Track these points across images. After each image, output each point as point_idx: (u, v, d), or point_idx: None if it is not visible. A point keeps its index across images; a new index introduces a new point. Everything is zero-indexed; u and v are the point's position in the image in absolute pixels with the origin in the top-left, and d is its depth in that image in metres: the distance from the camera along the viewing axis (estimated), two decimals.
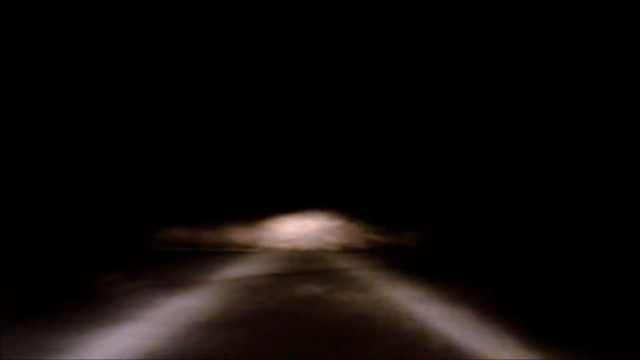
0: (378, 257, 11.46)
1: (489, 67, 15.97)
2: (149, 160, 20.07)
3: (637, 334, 3.83)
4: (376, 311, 4.81)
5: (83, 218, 17.85)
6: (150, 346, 3.36)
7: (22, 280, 7.40)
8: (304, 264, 10.08)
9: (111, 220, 19.09)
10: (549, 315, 4.70)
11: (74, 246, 14.77)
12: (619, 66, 14.55)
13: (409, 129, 19.05)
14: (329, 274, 7.98)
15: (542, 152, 18.01)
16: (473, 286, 6.70)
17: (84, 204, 18.14)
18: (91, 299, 5.32)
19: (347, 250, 13.82)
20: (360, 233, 21.92)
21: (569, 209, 16.41)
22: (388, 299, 5.47)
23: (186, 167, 21.97)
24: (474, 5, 13.42)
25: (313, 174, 23.04)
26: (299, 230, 27.76)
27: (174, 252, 13.83)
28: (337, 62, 16.36)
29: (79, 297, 5.55)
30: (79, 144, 17.78)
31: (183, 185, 21.41)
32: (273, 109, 19.23)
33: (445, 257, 12.85)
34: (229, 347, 3.43)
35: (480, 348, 3.36)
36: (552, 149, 17.79)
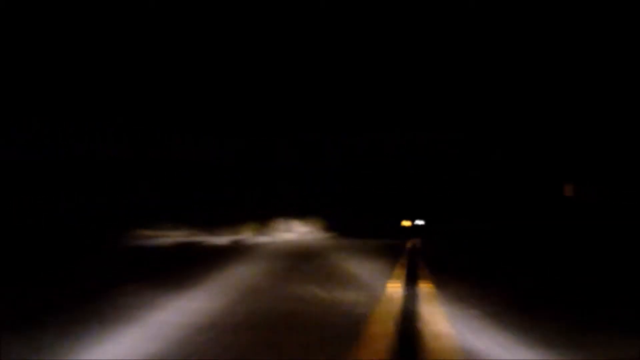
0: (378, 254, 11.48)
1: (489, 68, 15.99)
2: (149, 160, 20.11)
3: (636, 332, 3.85)
4: (378, 307, 4.81)
5: (83, 218, 17.87)
6: (152, 349, 3.35)
7: (21, 280, 7.41)
8: (305, 262, 10.11)
9: (110, 220, 19.10)
10: (547, 313, 4.72)
11: (73, 246, 14.76)
12: (618, 66, 14.57)
13: (409, 129, 19.10)
14: (330, 271, 8.00)
15: (541, 152, 18.05)
16: (474, 284, 6.72)
17: (84, 204, 18.16)
18: (91, 299, 5.32)
19: (347, 249, 13.85)
20: (360, 232, 21.92)
21: (569, 209, 16.43)
22: (391, 295, 5.48)
23: (186, 167, 22.00)
24: (474, 5, 13.44)
25: (313, 174, 23.07)
26: (300, 229, 27.80)
27: (174, 251, 13.83)
28: (337, 63, 16.37)
29: (78, 298, 5.55)
30: (79, 144, 17.81)
31: (183, 185, 21.43)
32: (273, 109, 19.26)
33: (447, 256, 12.88)
34: (233, 349, 3.43)
35: (484, 347, 3.36)
36: (552, 148, 17.83)
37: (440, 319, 4.33)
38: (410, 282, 6.96)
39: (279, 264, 9.61)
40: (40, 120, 16.89)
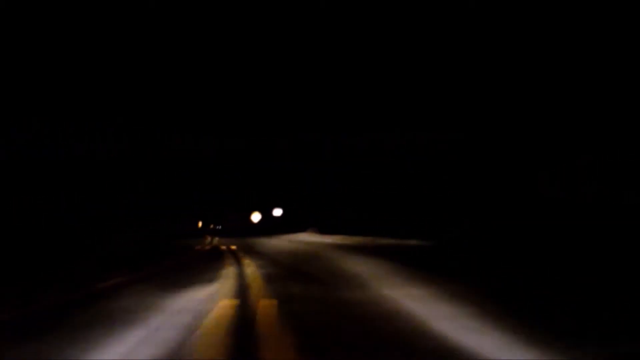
0: (378, 254, 11.51)
1: (489, 68, 15.98)
2: (149, 160, 20.10)
3: (635, 332, 3.86)
4: (376, 308, 4.83)
5: (83, 218, 17.88)
6: (156, 353, 3.35)
7: (22, 280, 7.41)
8: (308, 262, 10.13)
9: (111, 220, 19.11)
10: (547, 314, 4.72)
11: (74, 246, 14.77)
12: (618, 66, 14.56)
13: (409, 129, 19.07)
14: (330, 272, 8.02)
15: (541, 152, 18.03)
16: (474, 285, 6.74)
17: (84, 204, 18.16)
18: (93, 301, 5.32)
19: (348, 248, 13.87)
20: (360, 232, 21.92)
21: (569, 209, 16.42)
22: (389, 296, 5.49)
23: (186, 167, 21.99)
24: (474, 5, 13.44)
25: (313, 174, 23.07)
26: (300, 230, 27.76)
27: (175, 252, 13.84)
28: (336, 63, 16.37)
29: (80, 299, 5.55)
30: (79, 144, 17.79)
31: (183, 185, 21.41)
32: (273, 109, 19.26)
33: (447, 256, 12.89)
34: (240, 350, 3.43)
35: (479, 347, 3.37)
36: (552, 148, 17.81)
37: None
38: None
39: None
40: (40, 120, 16.88)
